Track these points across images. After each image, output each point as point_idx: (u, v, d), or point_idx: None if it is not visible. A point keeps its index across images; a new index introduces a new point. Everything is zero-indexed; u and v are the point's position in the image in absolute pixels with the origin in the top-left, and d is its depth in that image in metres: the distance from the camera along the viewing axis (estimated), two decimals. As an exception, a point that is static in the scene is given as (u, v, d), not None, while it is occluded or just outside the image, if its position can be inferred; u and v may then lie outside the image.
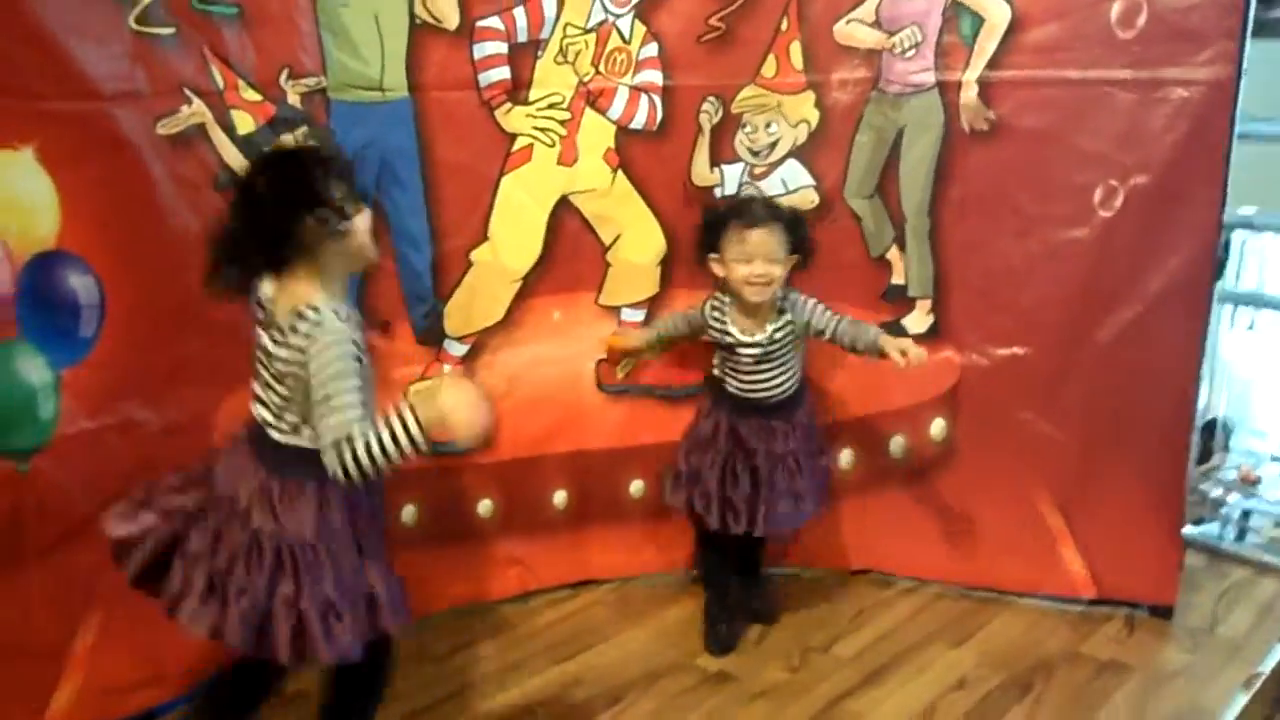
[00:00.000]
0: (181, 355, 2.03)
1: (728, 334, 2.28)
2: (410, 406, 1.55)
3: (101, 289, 1.93)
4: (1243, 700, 2.18)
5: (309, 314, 1.58)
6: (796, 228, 2.24)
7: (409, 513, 2.39)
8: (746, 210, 2.24)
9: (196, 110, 1.99)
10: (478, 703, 2.16)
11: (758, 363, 2.28)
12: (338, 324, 1.58)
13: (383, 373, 2.26)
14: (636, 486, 2.58)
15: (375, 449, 1.53)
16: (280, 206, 1.59)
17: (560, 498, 2.53)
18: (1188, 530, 2.74)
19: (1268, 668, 2.29)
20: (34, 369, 1.88)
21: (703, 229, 2.28)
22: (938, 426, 2.53)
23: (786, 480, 2.28)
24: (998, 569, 2.53)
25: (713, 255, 2.25)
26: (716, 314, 2.30)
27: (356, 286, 2.21)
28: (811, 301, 2.28)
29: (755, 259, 2.19)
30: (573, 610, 2.52)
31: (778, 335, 2.26)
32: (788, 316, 2.26)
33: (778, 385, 2.30)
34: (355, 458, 1.53)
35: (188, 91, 1.97)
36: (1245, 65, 2.17)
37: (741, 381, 2.31)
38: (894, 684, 2.22)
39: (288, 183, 1.61)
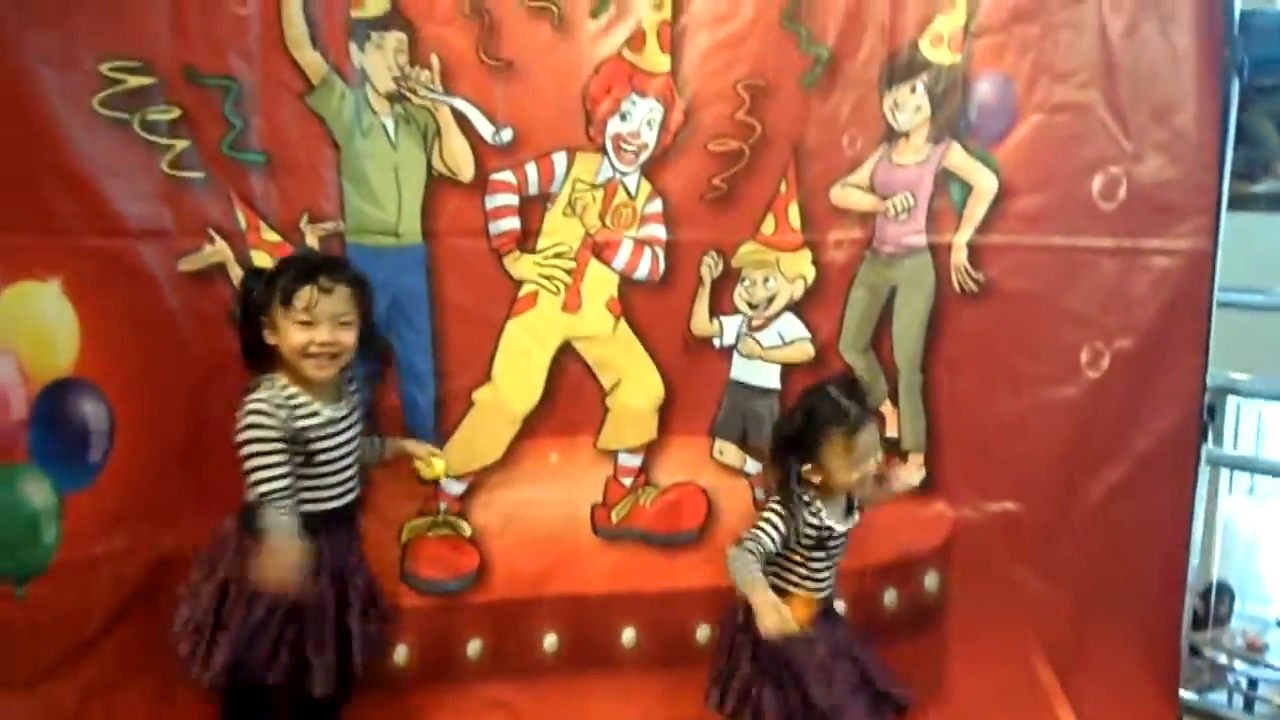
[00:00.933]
0: (187, 481, 2.09)
1: (825, 526, 2.17)
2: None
3: (112, 416, 2.01)
4: None
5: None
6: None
7: (401, 653, 2.37)
8: (841, 416, 2.14)
9: (219, 249, 2.11)
10: None
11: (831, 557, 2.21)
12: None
13: (381, 509, 2.32)
14: (629, 635, 2.56)
15: None
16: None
17: (551, 641, 2.51)
18: (1192, 698, 2.72)
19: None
20: (39, 493, 1.95)
21: (788, 442, 2.18)
22: (931, 579, 2.54)
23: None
24: (992, 727, 2.50)
25: (808, 467, 2.15)
26: (812, 509, 2.17)
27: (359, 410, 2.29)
28: None
29: (868, 459, 2.15)
30: (559, 761, 2.47)
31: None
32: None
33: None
34: None
35: (212, 231, 2.08)
36: (1222, 237, 2.30)
37: (818, 581, 2.20)
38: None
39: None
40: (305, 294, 1.92)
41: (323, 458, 2.01)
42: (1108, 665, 2.42)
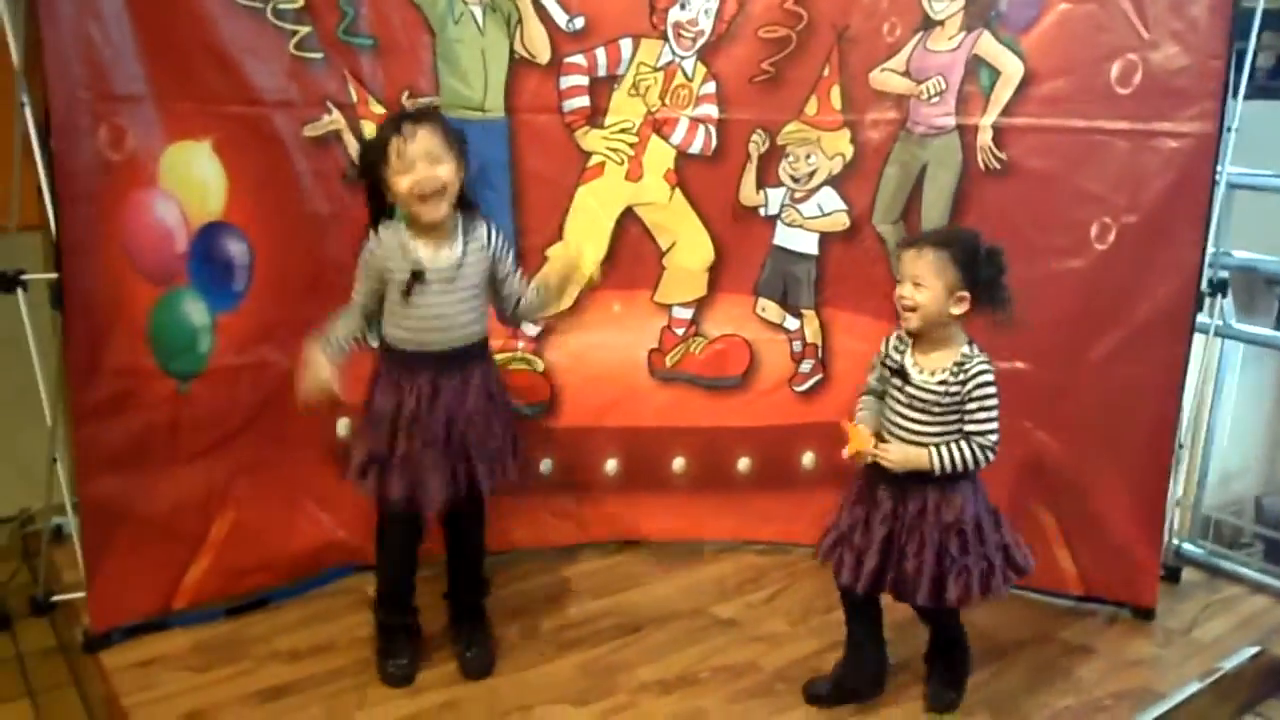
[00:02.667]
0: (309, 313, 2.52)
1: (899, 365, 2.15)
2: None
3: (253, 254, 2.46)
4: (1195, 687, 2.42)
5: None
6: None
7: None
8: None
9: (336, 119, 2.51)
10: (525, 620, 2.59)
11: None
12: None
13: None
14: (679, 463, 2.96)
15: None
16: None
17: (611, 464, 2.93)
18: (1188, 547, 2.97)
19: (1230, 665, 2.52)
20: (197, 312, 2.41)
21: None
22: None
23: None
24: (995, 562, 2.80)
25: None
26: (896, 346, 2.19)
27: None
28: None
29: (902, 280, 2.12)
30: (614, 563, 2.91)
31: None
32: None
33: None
34: None
35: (329, 104, 2.49)
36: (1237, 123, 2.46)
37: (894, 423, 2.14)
38: (878, 642, 2.54)
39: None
40: (395, 143, 2.09)
41: (427, 299, 2.15)
42: (1101, 511, 2.65)
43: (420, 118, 2.15)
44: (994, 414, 2.09)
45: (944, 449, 2.08)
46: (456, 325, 2.22)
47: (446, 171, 2.13)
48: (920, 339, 2.14)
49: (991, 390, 2.09)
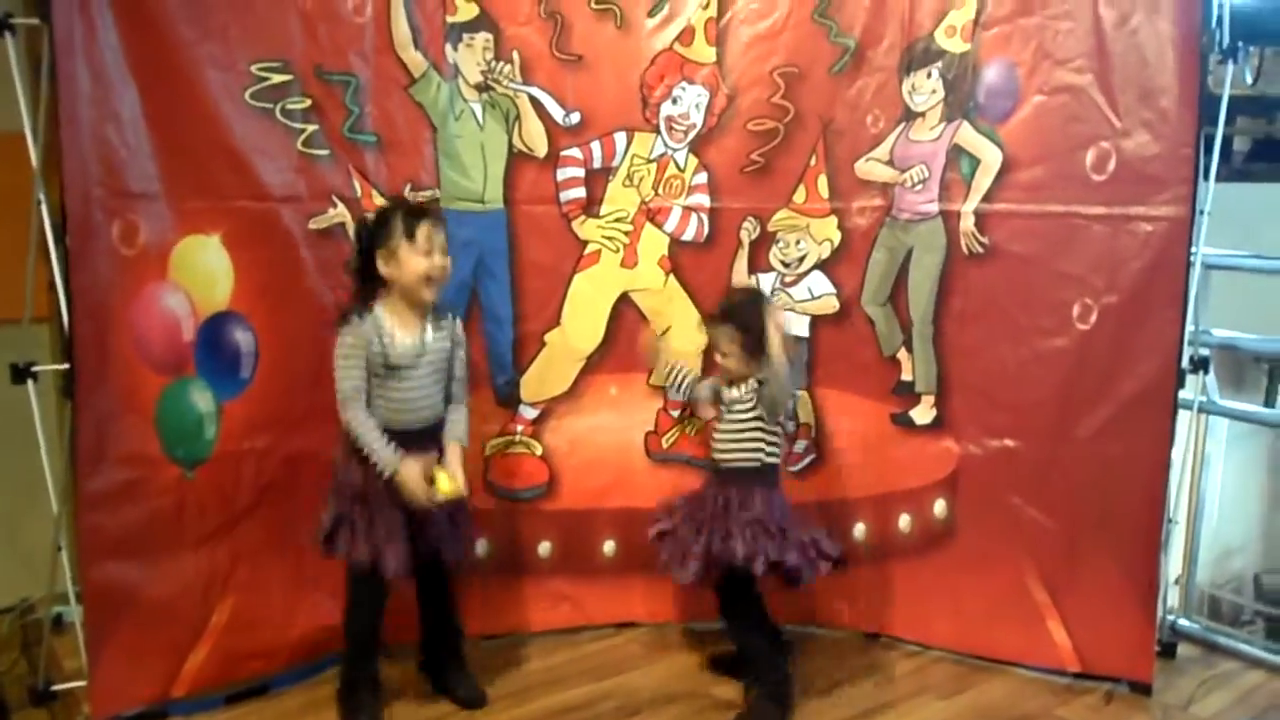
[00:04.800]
0: (313, 399, 2.59)
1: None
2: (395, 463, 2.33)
3: (258, 342, 2.52)
4: (1194, 765, 2.42)
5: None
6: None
7: (482, 547, 2.86)
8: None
9: (340, 212, 2.60)
10: (524, 705, 2.59)
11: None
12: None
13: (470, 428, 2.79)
14: (677, 543, 2.99)
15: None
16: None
17: (609, 546, 2.96)
18: (1183, 623, 2.98)
19: (1228, 742, 2.52)
20: (203, 399, 2.47)
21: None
22: (940, 506, 2.87)
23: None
24: (992, 639, 2.80)
25: None
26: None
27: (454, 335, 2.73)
28: None
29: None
30: (613, 644, 2.92)
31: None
32: None
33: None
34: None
35: (335, 197, 2.59)
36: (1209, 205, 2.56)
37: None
38: (877, 723, 2.55)
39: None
40: (425, 227, 2.32)
41: (403, 379, 2.36)
42: (1095, 586, 2.68)
43: (433, 210, 2.42)
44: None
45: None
46: (423, 405, 2.41)
47: (450, 264, 2.37)
48: None
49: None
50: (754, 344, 2.48)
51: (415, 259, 2.32)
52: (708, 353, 2.87)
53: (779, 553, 2.48)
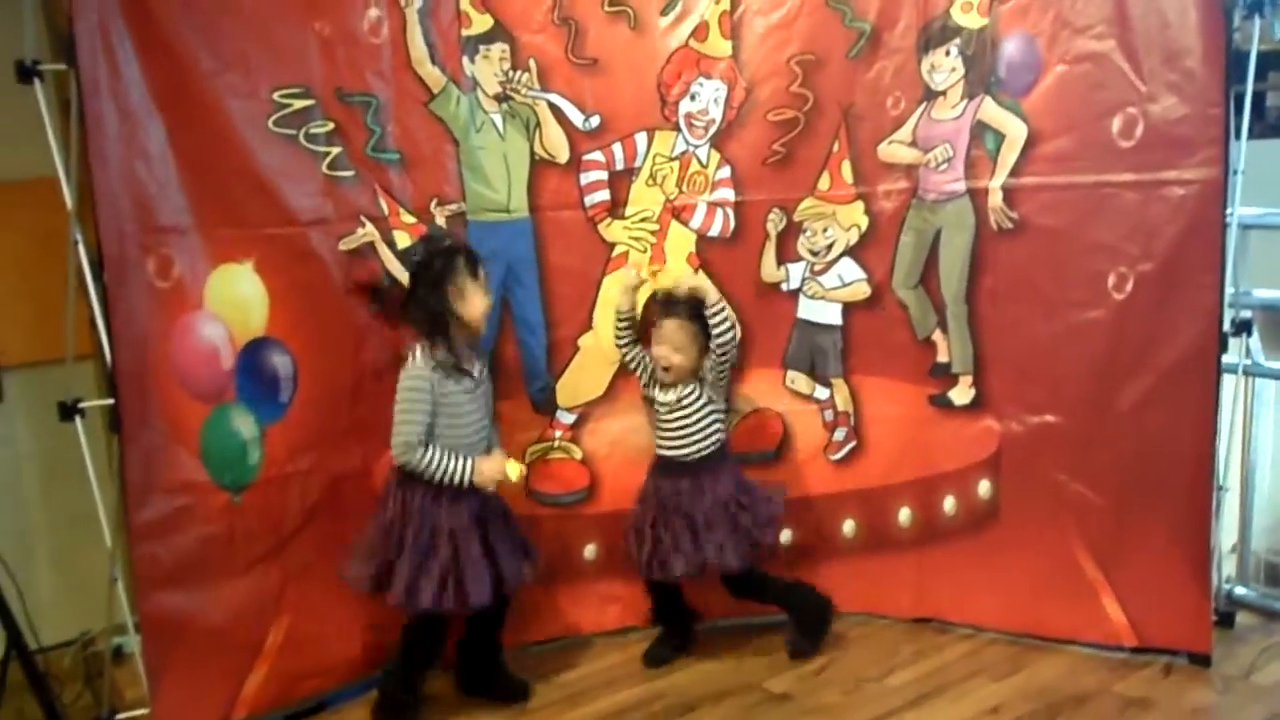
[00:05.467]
0: (352, 418, 2.63)
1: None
2: (469, 467, 2.46)
3: (296, 366, 2.55)
4: (1260, 733, 2.39)
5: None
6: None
7: (529, 554, 2.88)
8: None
9: (369, 232, 2.63)
10: (579, 707, 2.61)
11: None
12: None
13: (507, 436, 2.81)
14: (721, 539, 2.99)
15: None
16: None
17: (654, 545, 2.97)
18: (1240, 591, 2.94)
19: (1294, 709, 2.48)
20: (246, 425, 2.49)
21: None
22: (984, 487, 2.85)
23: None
24: (1045, 618, 2.78)
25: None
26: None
27: (489, 366, 2.78)
28: None
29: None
30: (664, 643, 2.93)
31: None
32: None
33: None
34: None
35: (363, 217, 2.61)
36: (1243, 165, 2.52)
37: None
38: (934, 708, 2.53)
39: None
40: (484, 267, 2.50)
41: (460, 411, 2.48)
42: (1147, 559, 2.65)
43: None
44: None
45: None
46: (480, 436, 2.54)
47: None
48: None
49: None
50: (703, 333, 2.65)
51: (479, 297, 2.49)
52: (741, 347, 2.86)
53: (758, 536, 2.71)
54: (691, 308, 2.67)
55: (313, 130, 2.52)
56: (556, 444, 2.90)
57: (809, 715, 2.53)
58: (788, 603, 2.85)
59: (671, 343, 2.67)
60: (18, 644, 2.66)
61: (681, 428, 2.70)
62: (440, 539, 2.45)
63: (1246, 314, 2.76)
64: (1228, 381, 2.69)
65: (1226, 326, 2.59)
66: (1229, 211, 2.53)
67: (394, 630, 2.69)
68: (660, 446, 2.75)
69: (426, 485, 2.45)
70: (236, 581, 2.50)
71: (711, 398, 2.71)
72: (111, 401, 2.33)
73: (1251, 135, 2.62)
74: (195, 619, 2.44)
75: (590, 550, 2.94)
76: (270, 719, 2.54)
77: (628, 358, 2.80)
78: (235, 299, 2.47)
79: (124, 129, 2.27)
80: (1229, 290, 2.59)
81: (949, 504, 2.90)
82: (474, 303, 2.48)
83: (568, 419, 2.89)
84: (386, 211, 2.64)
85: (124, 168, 2.27)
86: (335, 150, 2.55)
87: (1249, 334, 2.78)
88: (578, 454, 2.91)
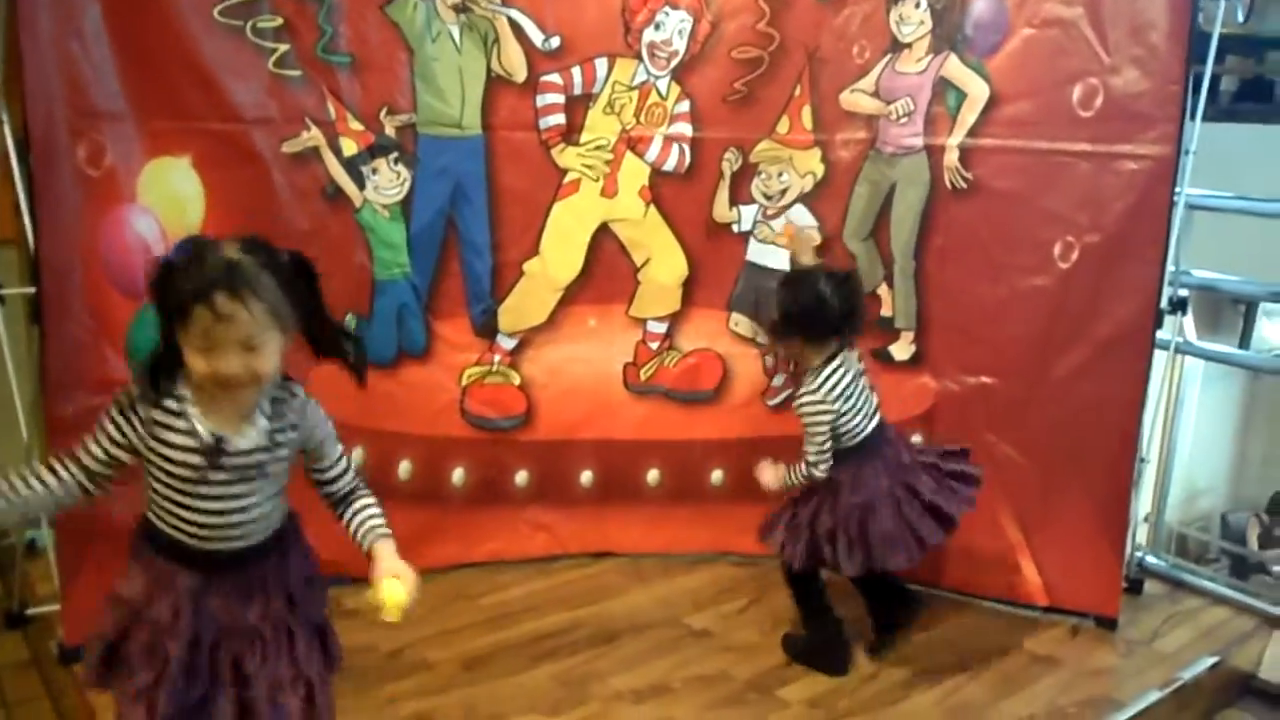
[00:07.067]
0: (286, 327, 2.57)
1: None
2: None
3: (230, 269, 2.47)
4: (1155, 696, 2.48)
5: None
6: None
7: (458, 475, 2.86)
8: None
9: (314, 136, 2.54)
10: (501, 631, 2.61)
11: None
12: None
13: (441, 357, 2.78)
14: (653, 475, 3.00)
15: None
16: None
17: (586, 476, 2.97)
18: (1151, 560, 3.03)
19: (1190, 674, 2.58)
20: (174, 326, 2.43)
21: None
22: (917, 441, 2.87)
23: None
24: (964, 574, 2.83)
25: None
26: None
27: (428, 284, 2.74)
28: None
29: None
30: (590, 574, 2.93)
31: None
32: None
33: None
34: None
35: (308, 120, 2.52)
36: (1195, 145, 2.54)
37: None
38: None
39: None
40: (202, 317, 1.47)
41: (201, 489, 1.59)
42: (1066, 524, 2.71)
43: (238, 284, 1.48)
44: (813, 439, 2.40)
45: (791, 471, 2.46)
46: (241, 529, 1.64)
47: (265, 363, 1.53)
48: None
49: (810, 418, 2.40)
50: (793, 324, 2.41)
51: (190, 355, 1.51)
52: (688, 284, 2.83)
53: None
54: (772, 320, 2.53)
55: (260, 24, 2.41)
56: (495, 368, 2.86)
57: (725, 652, 2.56)
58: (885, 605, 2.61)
59: (786, 355, 2.58)
60: (-76, 533, 2.60)
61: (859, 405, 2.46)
62: None
63: (1184, 293, 2.80)
64: (1158, 358, 2.74)
65: (1164, 303, 2.63)
66: (1178, 190, 2.56)
67: (315, 542, 2.66)
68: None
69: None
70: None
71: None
72: (33, 290, 2.24)
73: (1203, 117, 2.63)
74: (110, 519, 2.37)
75: (522, 477, 2.93)
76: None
77: None
78: (170, 194, 2.37)
79: (57, 4, 2.14)
80: (1169, 268, 2.62)
81: (881, 456, 2.93)
82: (188, 358, 1.51)
83: (508, 344, 2.86)
84: (334, 116, 2.55)
85: (57, 45, 2.15)
86: (283, 48, 2.45)
87: (1184, 313, 2.83)
88: (516, 379, 2.88)
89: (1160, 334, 2.68)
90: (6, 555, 2.80)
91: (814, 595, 2.53)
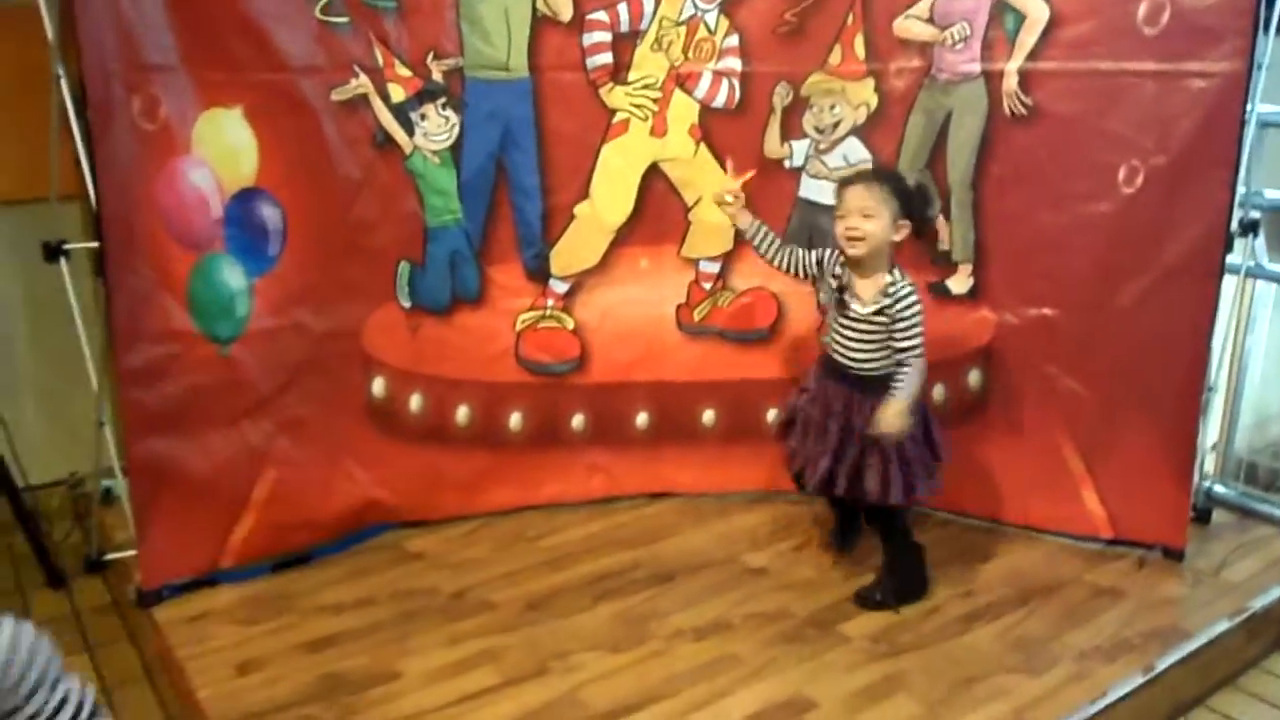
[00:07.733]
0: (342, 275, 2.60)
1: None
2: None
3: (285, 218, 2.50)
4: (1223, 626, 2.44)
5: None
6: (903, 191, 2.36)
7: (515, 419, 2.89)
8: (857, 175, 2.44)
9: (362, 83, 2.54)
10: (562, 572, 2.64)
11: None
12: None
13: (495, 302, 2.80)
14: (709, 415, 2.99)
15: None
16: None
17: (642, 418, 2.97)
18: (1219, 489, 2.97)
19: (1259, 604, 2.53)
20: (234, 276, 2.46)
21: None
22: (974, 377, 2.84)
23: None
24: (1024, 507, 2.81)
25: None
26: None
27: (480, 229, 2.74)
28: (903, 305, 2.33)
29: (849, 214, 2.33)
30: (646, 515, 2.95)
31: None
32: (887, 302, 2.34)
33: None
34: None
35: (356, 68, 2.52)
36: (1268, 59, 2.43)
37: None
38: (908, 588, 2.58)
39: None
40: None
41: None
42: (1130, 455, 2.66)
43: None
44: (916, 330, 2.35)
45: (899, 384, 2.34)
46: None
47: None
48: (858, 266, 2.38)
49: (916, 310, 2.35)
50: (914, 222, 2.35)
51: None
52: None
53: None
54: (887, 179, 2.38)
55: (306, -29, 2.41)
56: (548, 312, 2.87)
57: (784, 589, 2.57)
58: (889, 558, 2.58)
59: (860, 208, 2.30)
60: (6, 481, 2.70)
61: (854, 337, 2.39)
62: None
63: (1255, 214, 2.70)
64: (1227, 282, 2.65)
65: (1234, 226, 2.54)
66: (1249, 107, 2.46)
67: (381, 489, 2.72)
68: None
69: None
70: (223, 433, 2.50)
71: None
72: (96, 245, 2.29)
73: (1278, 30, 2.52)
74: (182, 466, 2.45)
75: (578, 420, 2.95)
76: (256, 566, 2.57)
77: (784, 264, 2.52)
78: (224, 145, 2.40)
79: (107, -43, 2.17)
80: (1240, 189, 2.53)
81: (938, 391, 2.88)
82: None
83: (561, 288, 2.86)
84: (381, 63, 2.55)
85: (108, 1, 2.17)
86: (329, -7, 2.45)
87: (1255, 235, 2.73)
88: (569, 323, 2.89)
89: (1230, 258, 2.59)
90: (83, 504, 2.89)
91: (910, 529, 2.58)
